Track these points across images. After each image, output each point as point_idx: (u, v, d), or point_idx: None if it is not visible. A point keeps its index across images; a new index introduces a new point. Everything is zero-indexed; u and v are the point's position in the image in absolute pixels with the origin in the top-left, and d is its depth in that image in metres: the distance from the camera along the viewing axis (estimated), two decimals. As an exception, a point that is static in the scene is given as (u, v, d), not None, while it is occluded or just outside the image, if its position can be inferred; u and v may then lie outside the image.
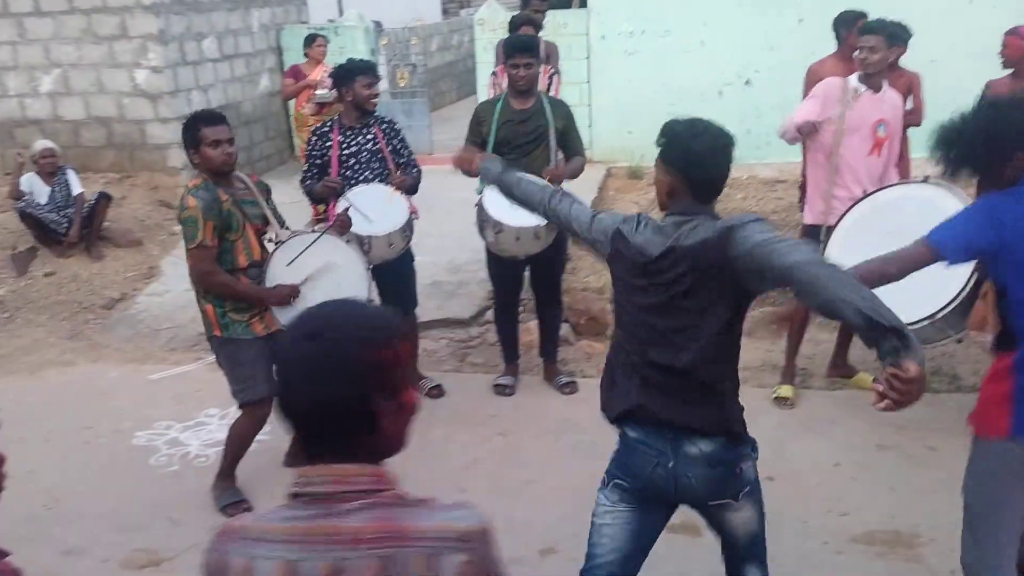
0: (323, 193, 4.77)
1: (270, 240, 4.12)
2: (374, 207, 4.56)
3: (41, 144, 7.42)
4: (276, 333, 4.08)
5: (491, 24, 9.89)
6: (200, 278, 3.97)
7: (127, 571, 3.72)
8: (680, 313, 2.43)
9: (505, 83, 5.90)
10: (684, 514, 3.82)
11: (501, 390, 5.10)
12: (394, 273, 4.82)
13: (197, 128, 3.85)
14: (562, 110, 4.92)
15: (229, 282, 3.94)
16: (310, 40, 8.46)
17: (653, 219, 2.57)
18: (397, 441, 1.45)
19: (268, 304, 4.01)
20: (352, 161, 4.75)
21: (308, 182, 4.83)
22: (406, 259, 4.88)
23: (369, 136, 4.79)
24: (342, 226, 4.36)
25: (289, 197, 6.10)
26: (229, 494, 4.17)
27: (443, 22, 16.93)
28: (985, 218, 2.52)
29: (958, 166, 2.65)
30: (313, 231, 4.25)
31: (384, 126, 4.87)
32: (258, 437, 4.69)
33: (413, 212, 4.74)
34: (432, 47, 15.58)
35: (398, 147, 4.89)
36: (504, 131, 4.80)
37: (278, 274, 4.05)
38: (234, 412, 4.91)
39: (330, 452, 1.38)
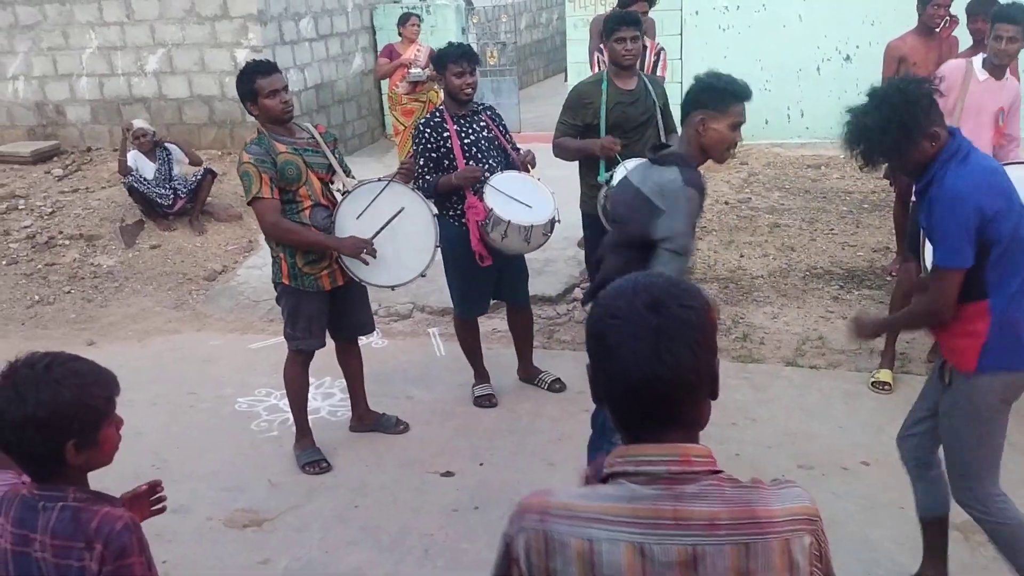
0: (456, 185, 4.39)
1: (338, 190, 4.16)
2: (524, 195, 4.38)
3: (135, 123, 7.72)
4: (341, 287, 4.19)
5: (582, 1, 9.83)
6: (267, 230, 4.03)
7: (231, 530, 3.88)
8: None
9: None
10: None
11: None
12: (512, 267, 4.69)
13: (253, 80, 3.88)
14: (660, 88, 4.85)
15: (297, 231, 3.99)
16: (404, 19, 8.55)
17: None
18: (707, 418, 1.38)
19: (339, 252, 4.06)
20: (474, 149, 4.47)
21: (428, 178, 4.43)
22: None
23: (482, 123, 4.56)
24: (407, 174, 4.32)
25: (379, 175, 6.21)
26: (308, 453, 4.33)
27: (532, -1, 16.90)
28: (973, 219, 2.61)
29: (875, 154, 2.74)
30: (379, 179, 4.25)
31: (489, 112, 4.67)
32: (335, 411, 4.83)
33: None
34: (521, 25, 15.58)
35: (504, 133, 4.69)
36: (616, 113, 4.65)
37: (348, 225, 4.09)
38: (330, 382, 5.11)
39: (660, 427, 1.32)
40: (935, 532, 3.18)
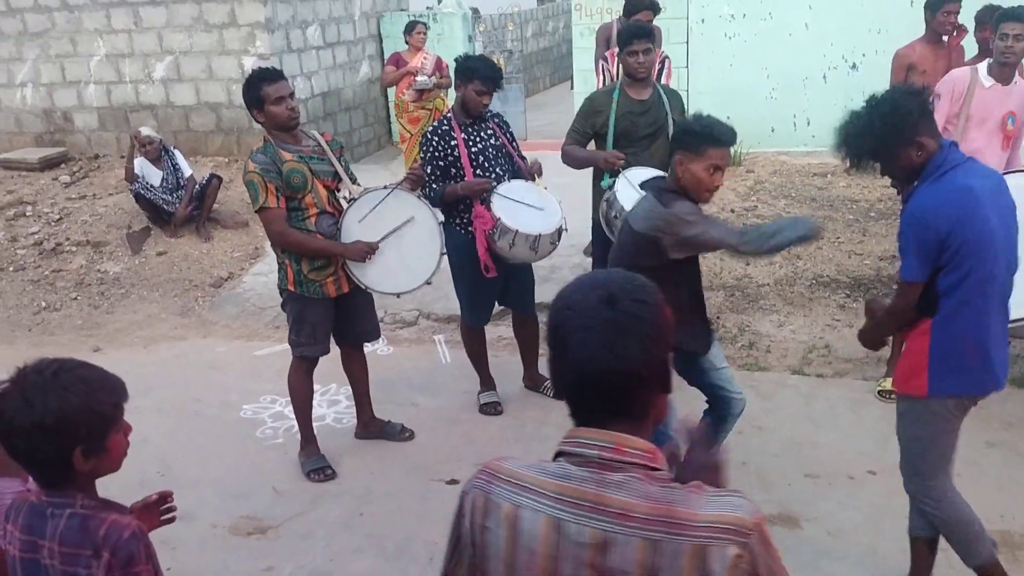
0: (461, 196, 4.37)
1: (344, 198, 4.18)
2: (532, 204, 4.37)
3: (141, 131, 7.74)
4: (347, 295, 4.20)
5: (588, 9, 9.84)
6: (274, 239, 4.06)
7: (235, 537, 3.89)
8: None
9: (616, 69, 5.86)
10: (781, 506, 3.80)
11: None
12: (518, 275, 4.71)
13: (259, 87, 3.89)
14: (677, 100, 4.85)
15: (303, 239, 4.01)
16: (411, 27, 8.58)
17: None
18: (663, 413, 1.41)
19: (345, 258, 4.08)
20: (481, 158, 4.44)
21: (435, 187, 4.42)
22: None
23: (489, 131, 4.54)
24: (415, 181, 4.32)
25: (385, 183, 6.22)
26: (313, 460, 4.34)
27: (538, 8, 16.94)
28: (931, 237, 2.67)
29: (860, 157, 2.82)
30: (385, 187, 4.26)
31: (497, 120, 4.64)
32: (340, 418, 4.83)
33: None
34: (527, 33, 15.62)
35: (510, 140, 4.65)
36: (624, 123, 4.66)
37: (353, 231, 4.10)
38: (336, 389, 5.11)
39: (608, 417, 1.35)
40: (924, 550, 3.21)
